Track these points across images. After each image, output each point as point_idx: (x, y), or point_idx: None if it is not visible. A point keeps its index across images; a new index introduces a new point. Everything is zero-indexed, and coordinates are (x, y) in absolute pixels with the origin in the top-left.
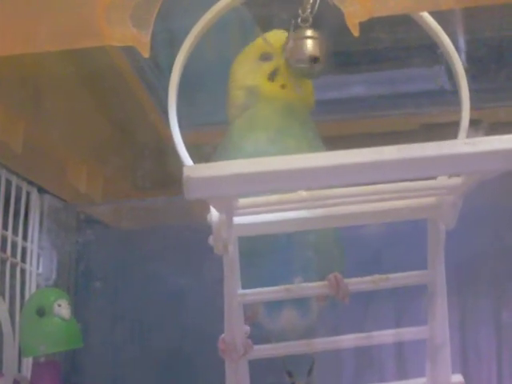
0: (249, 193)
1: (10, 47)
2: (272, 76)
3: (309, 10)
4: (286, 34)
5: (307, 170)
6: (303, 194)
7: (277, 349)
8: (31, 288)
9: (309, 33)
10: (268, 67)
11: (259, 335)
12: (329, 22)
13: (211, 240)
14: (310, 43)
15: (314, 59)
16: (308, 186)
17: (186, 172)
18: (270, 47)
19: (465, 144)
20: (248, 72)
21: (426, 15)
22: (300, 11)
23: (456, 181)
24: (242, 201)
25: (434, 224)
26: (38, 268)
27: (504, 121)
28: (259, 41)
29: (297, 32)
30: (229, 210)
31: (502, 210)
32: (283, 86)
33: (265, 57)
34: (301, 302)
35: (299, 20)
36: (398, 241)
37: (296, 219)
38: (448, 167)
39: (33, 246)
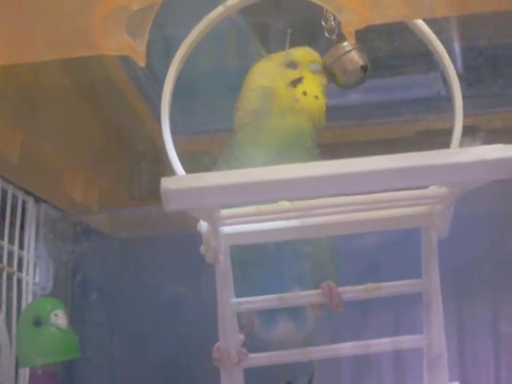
0: (227, 204)
1: (5, 57)
2: (295, 82)
3: (332, 20)
4: (313, 52)
5: (281, 182)
6: (286, 204)
7: (271, 357)
8: (28, 298)
9: (342, 48)
10: (292, 74)
11: (256, 346)
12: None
13: (202, 249)
14: (357, 54)
15: (366, 68)
16: (284, 197)
17: (164, 184)
18: (298, 58)
19: (452, 154)
20: (267, 73)
21: (420, 23)
22: (323, 22)
23: (443, 190)
24: (224, 211)
25: (427, 232)
26: (34, 277)
27: (500, 127)
28: (288, 51)
29: (338, 47)
30: (212, 220)
31: (498, 217)
32: (305, 93)
33: (291, 64)
34: (296, 313)
35: (325, 32)
36: (396, 249)
37: (286, 228)
38: (435, 177)
39: (29, 256)
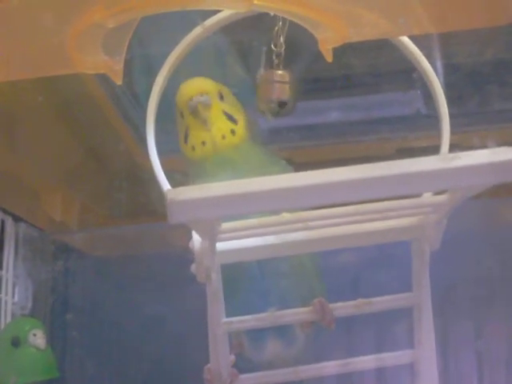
0: (232, 214)
1: None
2: (186, 139)
3: (281, 44)
4: (194, 84)
5: (289, 190)
6: (287, 215)
7: (263, 377)
8: (7, 317)
9: (278, 76)
10: (182, 127)
11: (246, 367)
12: (302, 48)
13: (193, 268)
14: (278, 87)
15: (283, 104)
16: (291, 206)
17: (170, 195)
18: (179, 103)
19: (444, 159)
20: (179, 131)
21: (405, 40)
22: (273, 46)
23: (441, 198)
24: (225, 225)
25: (419, 245)
26: (13, 297)
27: (479, 146)
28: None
29: (267, 73)
30: (212, 235)
31: (482, 234)
32: (204, 143)
33: (180, 115)
34: (285, 331)
35: (273, 55)
36: (384, 263)
37: (279, 244)
38: (430, 183)
39: (8, 275)
